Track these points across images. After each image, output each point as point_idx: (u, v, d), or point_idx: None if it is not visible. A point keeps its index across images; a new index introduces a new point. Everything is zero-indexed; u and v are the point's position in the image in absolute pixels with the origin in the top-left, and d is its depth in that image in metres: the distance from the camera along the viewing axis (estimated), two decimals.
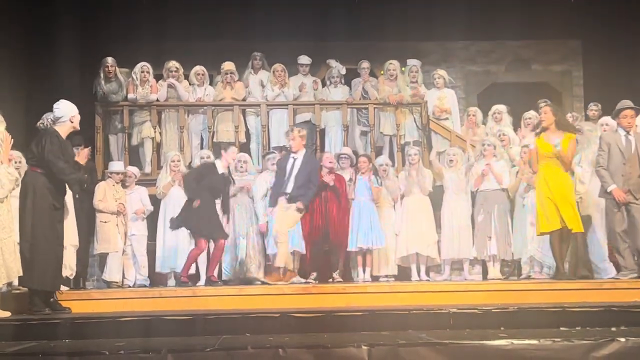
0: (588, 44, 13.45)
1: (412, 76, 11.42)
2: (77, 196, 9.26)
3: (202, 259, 9.63)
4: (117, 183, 9.77)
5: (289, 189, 9.27)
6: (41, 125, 8.54)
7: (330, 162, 9.62)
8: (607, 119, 9.59)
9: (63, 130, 7.42)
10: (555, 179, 8.52)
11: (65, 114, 7.42)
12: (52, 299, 7.31)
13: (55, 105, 7.48)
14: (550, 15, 12.52)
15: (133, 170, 10.08)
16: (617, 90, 11.27)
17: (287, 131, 10.44)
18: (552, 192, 8.49)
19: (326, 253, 9.66)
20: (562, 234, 8.54)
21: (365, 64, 11.43)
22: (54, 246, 7.24)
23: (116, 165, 10.02)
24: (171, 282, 9.81)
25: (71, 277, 8.92)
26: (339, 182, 9.55)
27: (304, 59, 11.49)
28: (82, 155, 7.90)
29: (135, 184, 10.03)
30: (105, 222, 9.60)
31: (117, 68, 10.83)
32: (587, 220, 8.97)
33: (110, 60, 10.75)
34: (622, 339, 5.38)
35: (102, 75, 10.76)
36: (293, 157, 9.38)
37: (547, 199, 8.51)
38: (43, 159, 7.16)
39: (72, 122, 7.45)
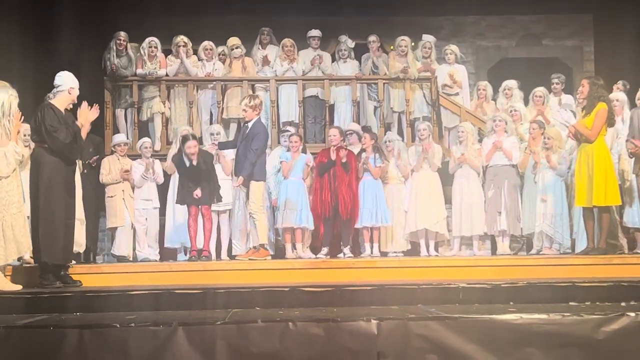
0: (599, 19, 13.36)
1: (424, 52, 11.35)
2: (85, 171, 9.31)
3: (212, 234, 9.65)
4: (122, 156, 9.77)
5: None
6: (49, 96, 8.55)
7: (332, 137, 9.59)
8: (617, 94, 9.56)
9: (60, 101, 7.39)
10: (592, 154, 8.44)
11: (64, 84, 7.40)
12: (62, 273, 7.34)
13: (57, 74, 7.48)
14: None
15: (147, 142, 10.06)
16: (628, 65, 11.22)
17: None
18: (588, 168, 8.43)
19: (335, 228, 9.65)
20: (593, 210, 8.51)
21: (373, 37, 11.35)
22: (64, 220, 7.25)
23: (119, 137, 10.03)
24: (181, 256, 9.84)
25: (80, 252, 8.95)
26: (350, 157, 9.53)
27: (315, 32, 11.41)
28: (82, 114, 7.60)
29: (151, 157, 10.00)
30: (112, 196, 9.63)
31: (128, 43, 10.82)
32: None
33: (122, 34, 10.76)
34: (632, 314, 5.36)
35: (114, 48, 10.75)
36: (244, 126, 9.16)
37: (584, 175, 8.47)
38: (41, 133, 7.18)
39: (70, 94, 7.40)
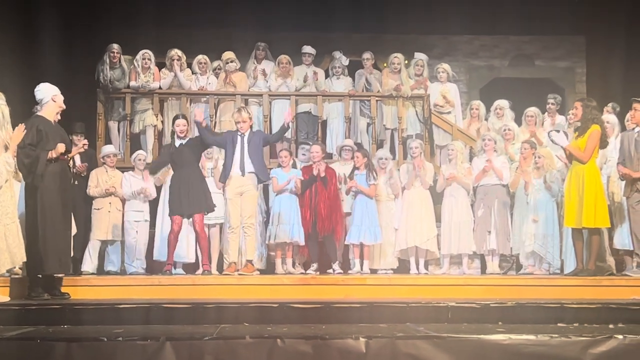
0: (592, 40, 13.44)
1: (417, 69, 11.40)
2: (75, 182, 9.28)
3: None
4: (111, 167, 9.75)
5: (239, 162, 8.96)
6: (37, 109, 8.54)
7: (315, 154, 9.58)
8: (608, 117, 9.61)
9: (48, 112, 7.38)
10: (582, 175, 8.45)
11: (46, 95, 7.40)
12: (54, 284, 7.32)
13: (35, 90, 7.47)
14: (554, 10, 12.54)
15: (142, 154, 10.05)
16: (620, 87, 11.29)
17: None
18: (578, 189, 8.45)
19: (322, 245, 9.65)
20: (582, 231, 8.54)
21: (367, 55, 11.40)
22: (63, 231, 7.23)
23: (108, 148, 10.01)
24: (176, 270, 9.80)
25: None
26: (328, 172, 9.53)
27: (308, 49, 11.46)
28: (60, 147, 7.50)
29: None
30: (99, 209, 9.61)
31: (121, 55, 10.84)
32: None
33: (116, 46, 10.77)
34: (620, 337, 5.37)
35: (107, 61, 10.76)
36: (240, 135, 9.00)
37: (573, 195, 8.48)
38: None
39: (55, 102, 7.39)
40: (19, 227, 7.08)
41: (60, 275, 7.43)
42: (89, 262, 9.58)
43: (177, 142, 9.03)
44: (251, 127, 9.11)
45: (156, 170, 9.38)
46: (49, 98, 7.39)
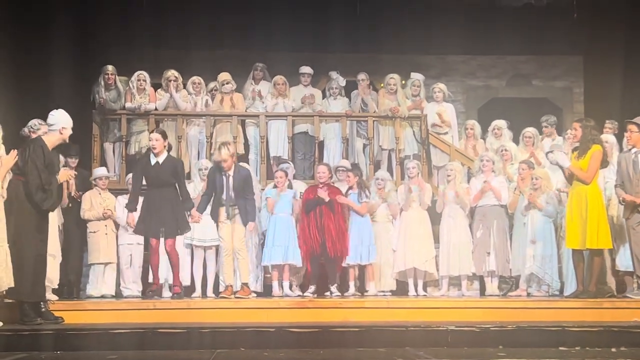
0: (589, 60, 13.42)
1: (414, 90, 11.37)
2: (69, 205, 9.20)
3: (198, 271, 9.54)
4: (103, 190, 9.67)
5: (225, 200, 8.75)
6: (24, 131, 8.44)
7: (321, 174, 9.54)
8: (607, 136, 9.55)
9: (51, 139, 7.32)
10: (585, 196, 8.39)
11: (56, 123, 7.33)
12: (43, 309, 7.21)
13: (51, 112, 7.41)
14: (551, 30, 12.55)
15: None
16: (618, 106, 11.27)
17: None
18: (581, 210, 8.39)
19: (322, 266, 9.58)
20: (583, 253, 8.47)
21: (362, 76, 11.35)
22: (33, 256, 7.12)
23: (100, 171, 9.93)
24: (166, 293, 9.69)
25: (52, 287, 8.67)
26: (334, 194, 9.47)
27: (306, 69, 11.44)
28: (63, 174, 7.53)
29: None
30: (94, 232, 9.53)
31: (116, 76, 10.79)
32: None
33: (110, 68, 10.73)
34: None
35: (102, 83, 10.73)
36: (225, 175, 8.75)
37: (575, 217, 8.42)
38: (24, 167, 7.07)
39: (61, 134, 7.33)
40: (8, 251, 6.97)
41: (41, 301, 7.27)
42: (94, 286, 9.46)
43: (153, 161, 8.67)
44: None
45: (134, 205, 8.78)
46: (58, 128, 7.32)
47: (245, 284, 8.78)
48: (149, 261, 8.91)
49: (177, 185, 8.71)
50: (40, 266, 7.24)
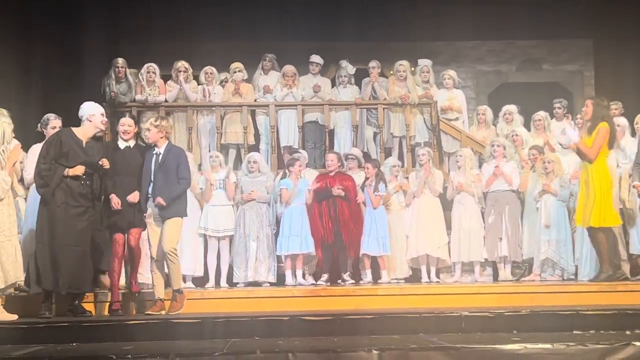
0: (600, 44, 13.36)
1: (423, 76, 11.35)
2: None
3: (212, 261, 9.55)
4: None
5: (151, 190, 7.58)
6: (38, 127, 8.49)
7: (330, 162, 9.54)
8: (619, 119, 9.51)
9: (83, 131, 7.40)
10: (591, 174, 8.37)
11: (83, 114, 7.45)
12: (76, 302, 7.27)
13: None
14: (561, 14, 12.47)
15: None
16: (628, 89, 11.21)
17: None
18: (587, 188, 8.36)
19: (335, 255, 9.57)
20: (596, 231, 8.43)
21: (373, 63, 11.33)
22: (64, 246, 7.13)
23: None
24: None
25: None
26: (346, 183, 9.47)
27: (316, 58, 11.40)
28: (76, 168, 7.26)
29: None
30: None
31: (127, 69, 10.81)
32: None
33: (120, 61, 10.73)
34: (638, 343, 5.31)
35: (112, 76, 10.73)
36: (155, 153, 7.62)
37: (582, 194, 8.40)
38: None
39: (91, 121, 7.42)
40: (17, 245, 7.01)
41: (77, 291, 7.29)
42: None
43: (122, 145, 7.77)
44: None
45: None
46: (85, 117, 7.43)
47: (177, 291, 7.51)
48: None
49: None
50: (81, 257, 7.20)
